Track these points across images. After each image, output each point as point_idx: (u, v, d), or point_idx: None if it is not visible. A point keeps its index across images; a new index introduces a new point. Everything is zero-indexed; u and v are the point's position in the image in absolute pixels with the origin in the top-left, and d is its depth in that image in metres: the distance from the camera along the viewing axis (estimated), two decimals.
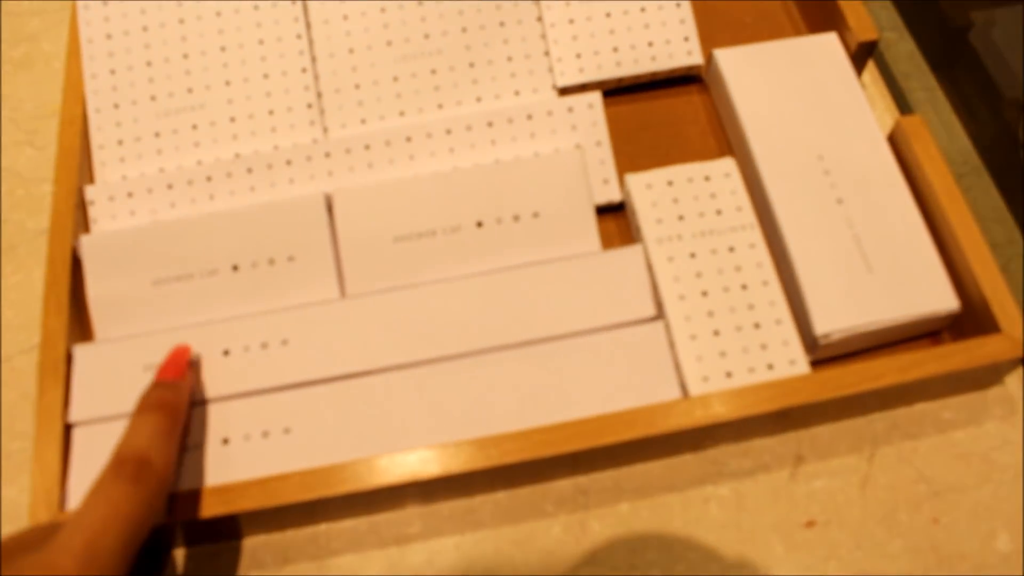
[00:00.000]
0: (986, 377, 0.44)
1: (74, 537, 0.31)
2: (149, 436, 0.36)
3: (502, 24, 0.49)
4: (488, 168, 0.45)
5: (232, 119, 0.48)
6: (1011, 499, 0.42)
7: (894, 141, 0.46)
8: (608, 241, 0.46)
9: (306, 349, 0.41)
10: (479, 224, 0.44)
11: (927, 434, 0.44)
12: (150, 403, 0.37)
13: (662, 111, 0.50)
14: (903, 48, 0.53)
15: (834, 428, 0.44)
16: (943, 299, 0.42)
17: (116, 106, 0.48)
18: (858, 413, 0.44)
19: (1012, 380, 0.44)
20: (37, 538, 0.32)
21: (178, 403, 0.38)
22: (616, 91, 0.51)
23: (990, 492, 0.42)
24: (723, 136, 0.50)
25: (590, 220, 0.44)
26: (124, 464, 0.34)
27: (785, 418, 0.42)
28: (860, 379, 0.40)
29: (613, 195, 0.46)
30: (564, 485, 0.42)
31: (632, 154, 0.48)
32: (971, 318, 0.43)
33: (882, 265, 0.43)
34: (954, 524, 0.41)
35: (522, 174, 0.44)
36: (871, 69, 0.52)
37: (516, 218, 0.44)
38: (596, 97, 0.47)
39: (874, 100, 0.52)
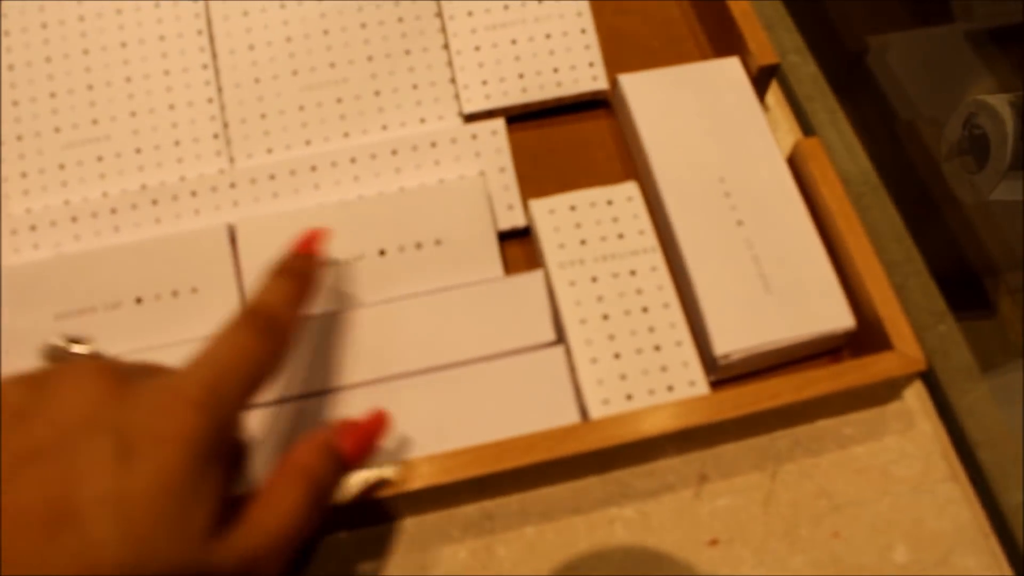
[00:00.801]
0: (885, 393, 0.45)
1: (203, 369, 0.31)
2: (282, 297, 0.36)
3: (408, 52, 0.49)
4: (390, 196, 0.45)
5: (138, 150, 0.48)
6: (908, 511, 0.43)
7: (793, 163, 0.47)
8: (514, 266, 0.47)
9: None
10: (382, 252, 0.44)
11: (828, 450, 0.44)
12: (288, 268, 0.37)
13: (569, 135, 0.51)
14: (806, 71, 0.55)
15: (737, 447, 0.44)
16: (839, 318, 0.43)
17: (19, 138, 0.48)
18: (761, 431, 0.44)
19: (910, 394, 0.45)
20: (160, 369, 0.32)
21: (312, 276, 0.38)
22: (523, 116, 0.51)
23: (888, 505, 0.43)
24: (629, 160, 0.50)
25: (492, 246, 0.44)
26: (255, 316, 0.34)
27: (689, 438, 0.43)
28: (757, 399, 0.41)
29: (518, 220, 0.46)
30: (470, 510, 0.43)
31: (539, 179, 0.49)
32: (867, 336, 0.43)
33: (780, 285, 0.44)
34: (853, 537, 0.42)
35: (424, 202, 0.45)
36: (776, 91, 0.53)
37: (419, 246, 0.44)
38: (500, 124, 0.47)
39: (778, 122, 0.53)
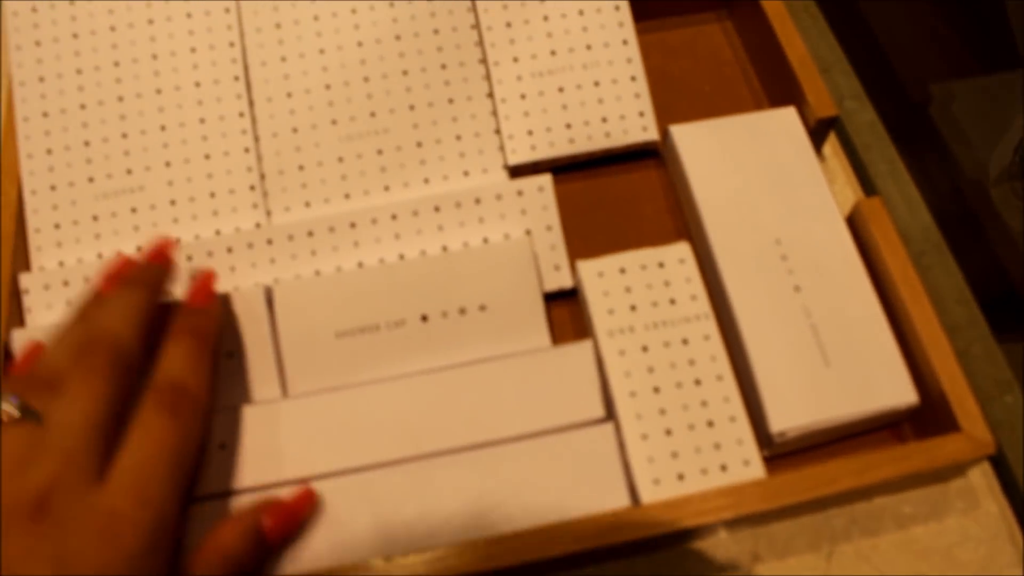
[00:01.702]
0: (947, 471, 0.43)
1: (125, 477, 0.32)
2: (183, 362, 0.36)
3: (451, 101, 0.48)
4: (434, 258, 0.43)
5: (172, 202, 0.46)
6: None
7: (852, 223, 0.45)
8: (561, 328, 0.45)
9: (245, 454, 0.40)
10: (424, 318, 0.42)
11: (887, 530, 0.42)
12: (182, 329, 0.37)
13: (618, 188, 0.49)
14: (864, 118, 0.52)
15: (792, 525, 0.42)
16: (901, 394, 0.41)
17: (53, 188, 0.46)
18: (816, 509, 0.43)
19: (974, 472, 0.43)
20: (80, 474, 0.32)
21: (209, 328, 0.38)
22: (570, 167, 0.49)
23: None
24: (680, 213, 0.48)
25: (539, 313, 0.43)
26: (162, 395, 0.35)
27: (741, 518, 0.41)
28: (815, 484, 0.39)
29: (565, 281, 0.45)
30: None
31: (586, 234, 0.47)
32: (931, 412, 0.41)
33: (839, 357, 0.42)
34: None
35: (469, 265, 0.43)
36: (832, 140, 0.51)
37: (462, 311, 0.42)
38: (547, 180, 0.46)
39: (835, 173, 0.51)
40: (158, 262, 0.40)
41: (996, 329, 0.46)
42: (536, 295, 0.43)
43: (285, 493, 0.38)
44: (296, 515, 0.37)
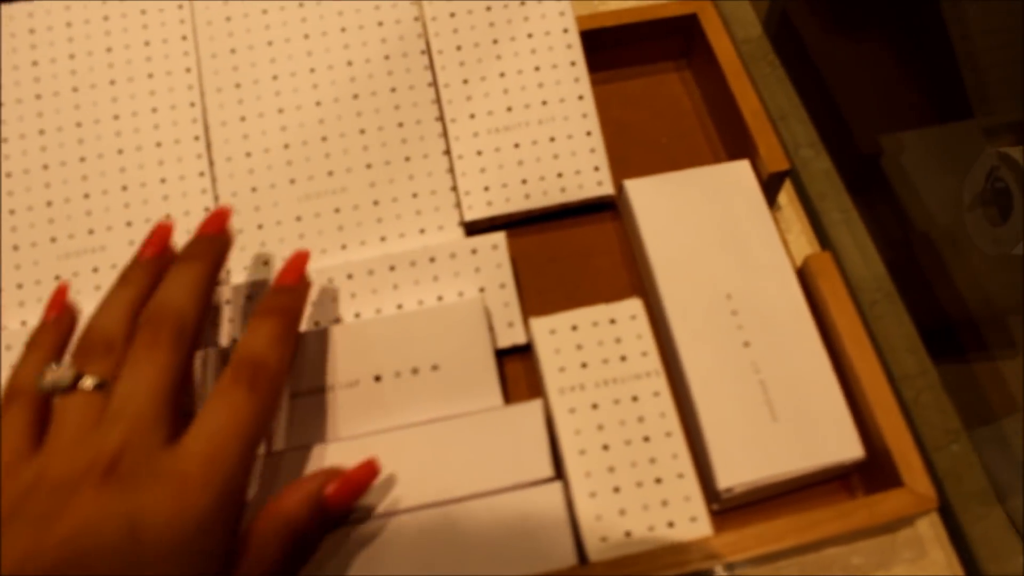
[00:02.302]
0: (895, 522, 0.43)
1: (198, 442, 0.33)
2: (266, 339, 0.37)
3: (408, 159, 0.48)
4: (388, 319, 0.44)
5: None
6: None
7: (802, 277, 0.46)
8: (516, 383, 0.46)
9: None
10: (377, 378, 0.43)
11: None
12: (269, 307, 0.39)
13: (575, 241, 0.50)
14: (819, 166, 0.53)
15: None
16: (848, 449, 0.42)
17: (16, 248, 0.47)
18: (767, 560, 0.43)
19: (922, 521, 0.44)
20: (151, 437, 0.33)
21: (295, 307, 0.40)
22: (527, 221, 0.50)
23: None
24: (635, 268, 0.49)
25: (491, 372, 0.43)
26: (241, 368, 0.35)
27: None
28: (760, 541, 0.40)
29: (518, 338, 0.45)
30: None
31: (542, 289, 0.48)
32: (877, 466, 0.42)
33: (787, 413, 0.42)
34: None
35: (422, 325, 0.44)
36: (788, 188, 0.52)
37: (415, 371, 0.43)
38: (501, 238, 0.46)
39: (790, 222, 0.51)
40: (216, 232, 0.41)
41: (945, 377, 0.47)
42: (488, 354, 0.43)
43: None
44: (358, 485, 0.38)
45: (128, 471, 0.32)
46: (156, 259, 0.40)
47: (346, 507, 0.38)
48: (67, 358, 0.37)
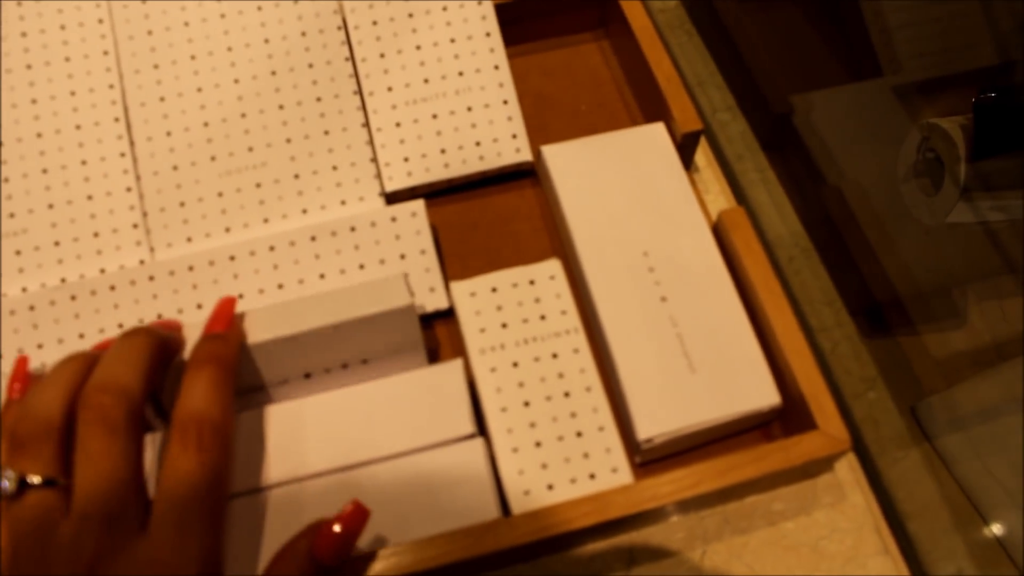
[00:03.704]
0: (814, 467, 0.45)
1: (165, 526, 0.33)
2: (203, 392, 0.36)
3: (327, 133, 0.49)
4: (312, 297, 0.44)
5: (56, 243, 0.47)
6: None
7: (717, 232, 0.47)
8: (442, 349, 0.46)
9: None
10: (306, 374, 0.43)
11: (757, 527, 0.44)
12: (201, 359, 0.37)
13: (496, 208, 0.51)
14: (736, 129, 0.54)
15: (666, 527, 0.44)
16: (765, 396, 0.43)
17: None
18: (690, 510, 0.44)
19: (841, 466, 0.45)
20: (123, 534, 0.32)
21: (228, 354, 0.38)
22: (449, 190, 0.51)
23: None
24: (555, 230, 0.50)
25: (418, 342, 0.44)
26: (187, 431, 0.35)
27: (615, 523, 0.42)
28: (678, 488, 0.40)
29: (441, 303, 0.46)
30: None
31: (465, 255, 0.49)
32: (794, 412, 0.43)
33: (705, 364, 0.43)
34: None
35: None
36: (707, 151, 0.53)
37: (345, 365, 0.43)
38: (419, 205, 0.47)
39: (709, 183, 0.52)
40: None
41: (862, 328, 0.48)
42: (414, 329, 0.44)
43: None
44: (351, 536, 0.37)
45: (109, 574, 0.31)
46: (94, 349, 0.39)
47: (343, 556, 0.36)
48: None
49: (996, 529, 0.47)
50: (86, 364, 0.36)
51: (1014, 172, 0.59)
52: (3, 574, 0.32)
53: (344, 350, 0.42)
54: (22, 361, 0.40)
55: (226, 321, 0.40)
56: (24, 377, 0.39)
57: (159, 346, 0.38)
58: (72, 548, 0.32)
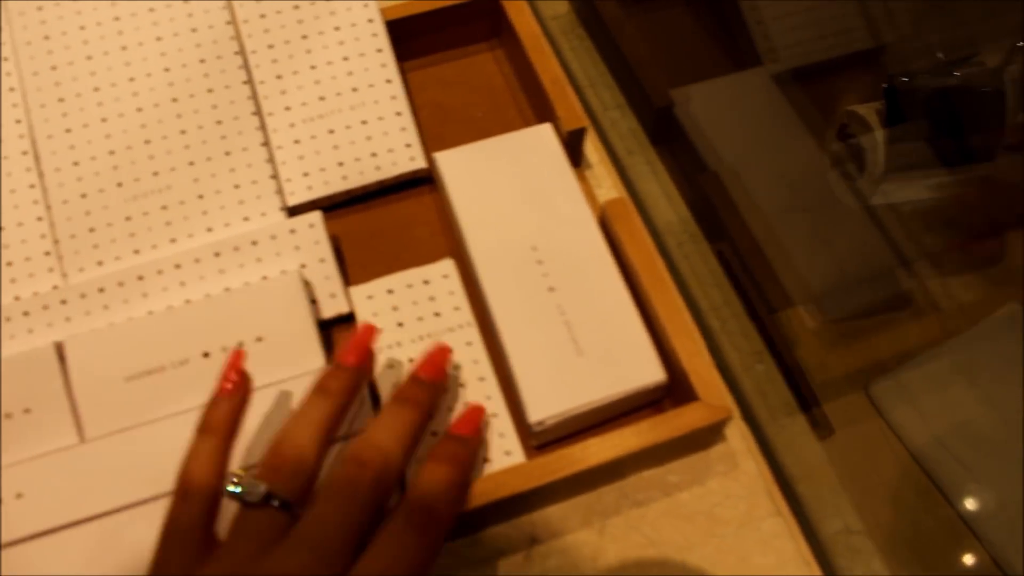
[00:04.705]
0: (706, 437, 0.47)
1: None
2: (442, 487, 0.38)
3: (228, 153, 0.51)
4: (211, 300, 0.47)
5: None
6: (734, 551, 0.45)
7: (603, 223, 0.49)
8: None
9: (43, 499, 0.43)
10: (205, 355, 0.45)
11: (654, 499, 0.46)
12: (444, 454, 0.40)
13: (395, 216, 0.53)
14: (626, 126, 0.57)
15: (565, 506, 0.46)
16: (650, 374, 0.45)
17: None
18: (588, 488, 0.46)
19: (734, 435, 0.47)
20: (329, 571, 0.34)
21: (467, 457, 0.41)
22: (352, 201, 0.53)
23: (714, 547, 0.45)
24: (452, 233, 0.52)
25: (312, 338, 0.46)
26: (416, 513, 0.37)
27: (513, 504, 0.44)
28: (568, 463, 0.43)
29: (341, 307, 0.48)
30: None
31: (366, 262, 0.51)
32: (680, 388, 0.45)
33: (592, 348, 0.45)
34: None
35: (243, 302, 0.47)
36: (598, 147, 0.55)
37: (241, 345, 0.46)
38: (317, 216, 0.49)
39: (601, 178, 0.55)
40: (435, 379, 0.42)
41: (749, 306, 0.51)
42: (308, 323, 0.46)
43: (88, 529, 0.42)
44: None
45: None
46: (356, 370, 0.41)
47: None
48: (256, 469, 0.37)
49: (958, 506, 0.48)
50: (336, 409, 0.39)
51: (924, 152, 0.62)
52: (219, 562, 0.34)
53: (237, 325, 0.46)
54: (238, 355, 0.41)
55: (474, 426, 0.42)
56: (240, 370, 0.41)
57: (426, 420, 0.41)
58: (276, 563, 0.34)
